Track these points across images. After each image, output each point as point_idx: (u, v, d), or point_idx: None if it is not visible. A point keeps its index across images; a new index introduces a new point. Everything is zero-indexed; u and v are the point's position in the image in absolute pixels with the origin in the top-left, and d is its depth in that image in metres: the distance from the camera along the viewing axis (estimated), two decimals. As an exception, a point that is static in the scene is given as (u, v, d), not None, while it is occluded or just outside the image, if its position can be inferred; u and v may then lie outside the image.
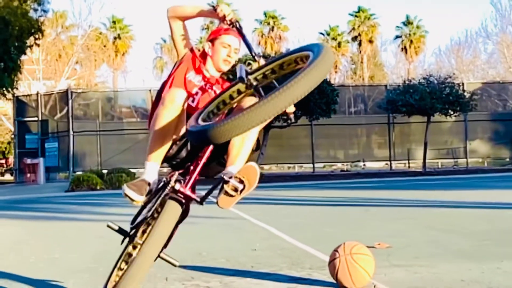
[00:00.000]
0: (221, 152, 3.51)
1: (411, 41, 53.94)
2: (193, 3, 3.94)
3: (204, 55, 3.91)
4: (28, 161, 27.74)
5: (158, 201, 3.37)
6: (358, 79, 51.71)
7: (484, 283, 4.22)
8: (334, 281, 4.24)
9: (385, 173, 26.68)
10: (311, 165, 30.04)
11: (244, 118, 2.74)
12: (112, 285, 3.43)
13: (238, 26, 3.73)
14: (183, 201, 3.39)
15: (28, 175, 27.76)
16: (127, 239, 3.62)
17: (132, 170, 25.00)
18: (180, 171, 3.54)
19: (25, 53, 28.63)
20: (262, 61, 3.49)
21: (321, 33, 55.99)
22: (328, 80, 25.31)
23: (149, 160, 3.50)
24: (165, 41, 56.31)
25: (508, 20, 43.59)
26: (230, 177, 3.29)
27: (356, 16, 55.30)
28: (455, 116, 26.03)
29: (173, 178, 3.37)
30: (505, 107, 33.00)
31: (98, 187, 21.53)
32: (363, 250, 4.28)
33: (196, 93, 3.77)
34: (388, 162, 30.85)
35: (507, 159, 31.90)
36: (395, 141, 30.62)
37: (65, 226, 9.68)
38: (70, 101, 29.09)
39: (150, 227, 3.39)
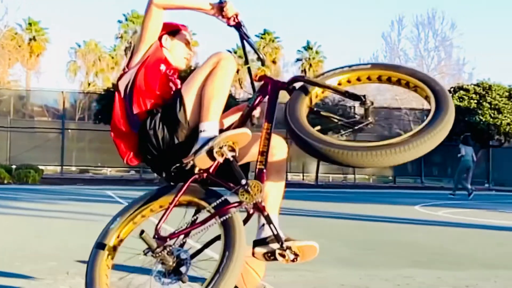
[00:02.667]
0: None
1: (311, 65, 55.05)
2: None
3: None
4: None
5: (229, 215, 2.92)
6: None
7: (361, 287, 4.37)
8: (228, 281, 4.26)
9: (280, 184, 26.99)
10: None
11: (392, 156, 2.67)
12: None
13: (244, 27, 3.37)
14: (250, 213, 3.07)
15: None
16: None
17: (40, 167, 24.27)
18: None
19: None
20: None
21: (228, 51, 56.22)
22: (233, 95, 25.46)
23: (211, 119, 3.04)
24: (79, 45, 54.95)
25: (396, 53, 45.21)
26: (288, 247, 3.06)
27: (261, 37, 55.93)
28: (346, 135, 26.71)
29: (261, 194, 2.96)
30: (390, 131, 34.23)
31: (5, 181, 20.87)
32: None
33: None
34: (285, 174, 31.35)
35: (390, 177, 33.04)
36: (292, 154, 31.12)
37: (-30, 218, 9.26)
38: (-18, 97, 27.93)
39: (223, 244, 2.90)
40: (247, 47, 3.50)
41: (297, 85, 3.21)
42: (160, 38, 3.37)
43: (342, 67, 3.23)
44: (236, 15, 3.31)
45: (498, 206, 15.29)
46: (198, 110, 3.11)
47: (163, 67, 3.30)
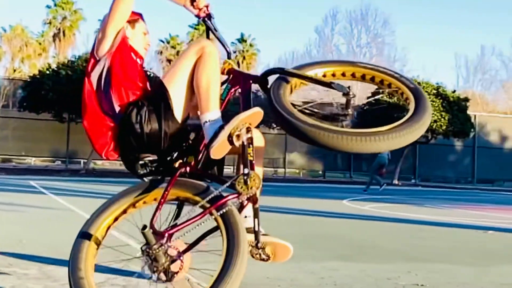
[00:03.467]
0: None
1: (244, 57, 55.23)
2: None
3: None
4: None
5: (228, 208, 2.87)
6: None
7: (286, 280, 4.41)
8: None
9: (210, 177, 26.96)
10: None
11: (376, 143, 2.81)
12: None
13: (213, 19, 3.32)
14: (244, 205, 3.06)
15: None
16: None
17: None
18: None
19: None
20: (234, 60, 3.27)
21: (161, 41, 55.74)
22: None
23: (213, 109, 2.97)
24: (5, 30, 53.27)
25: (329, 48, 45.82)
26: (263, 247, 3.05)
27: (195, 28, 55.73)
28: (278, 129, 26.96)
29: (258, 189, 2.94)
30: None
31: None
32: (179, 245, 4.28)
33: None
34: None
35: (320, 172, 33.52)
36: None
37: None
38: None
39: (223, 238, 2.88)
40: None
41: (270, 78, 3.26)
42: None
43: (330, 61, 3.46)
44: (207, 7, 3.29)
45: (423, 201, 15.75)
46: (184, 103, 3.05)
47: (134, 57, 3.17)
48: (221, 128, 2.92)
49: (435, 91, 28.42)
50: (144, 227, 2.86)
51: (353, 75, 3.29)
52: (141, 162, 3.07)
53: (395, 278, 4.64)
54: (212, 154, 2.91)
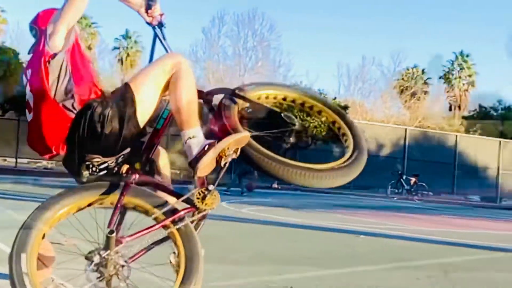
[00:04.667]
0: None
1: (128, 54, 54.37)
2: None
3: None
4: None
5: (185, 222, 2.96)
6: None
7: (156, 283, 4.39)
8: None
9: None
10: (14, 160, 28.62)
11: (316, 180, 3.05)
12: None
13: (164, 28, 3.37)
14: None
15: None
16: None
17: None
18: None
19: None
20: None
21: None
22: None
23: (196, 125, 3.01)
24: None
25: (216, 49, 46.04)
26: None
27: (77, 22, 54.27)
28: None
29: (214, 207, 2.98)
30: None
31: None
32: (46, 245, 4.17)
33: None
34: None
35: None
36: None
37: None
38: None
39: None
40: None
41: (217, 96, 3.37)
42: None
43: (279, 84, 3.68)
44: (161, 15, 3.33)
45: (301, 205, 16.14)
46: (149, 111, 3.03)
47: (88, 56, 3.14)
48: (210, 146, 2.93)
49: (316, 98, 29.14)
50: (112, 231, 2.84)
51: (302, 104, 3.49)
52: (87, 163, 2.98)
53: (266, 281, 4.74)
54: (199, 172, 2.95)
